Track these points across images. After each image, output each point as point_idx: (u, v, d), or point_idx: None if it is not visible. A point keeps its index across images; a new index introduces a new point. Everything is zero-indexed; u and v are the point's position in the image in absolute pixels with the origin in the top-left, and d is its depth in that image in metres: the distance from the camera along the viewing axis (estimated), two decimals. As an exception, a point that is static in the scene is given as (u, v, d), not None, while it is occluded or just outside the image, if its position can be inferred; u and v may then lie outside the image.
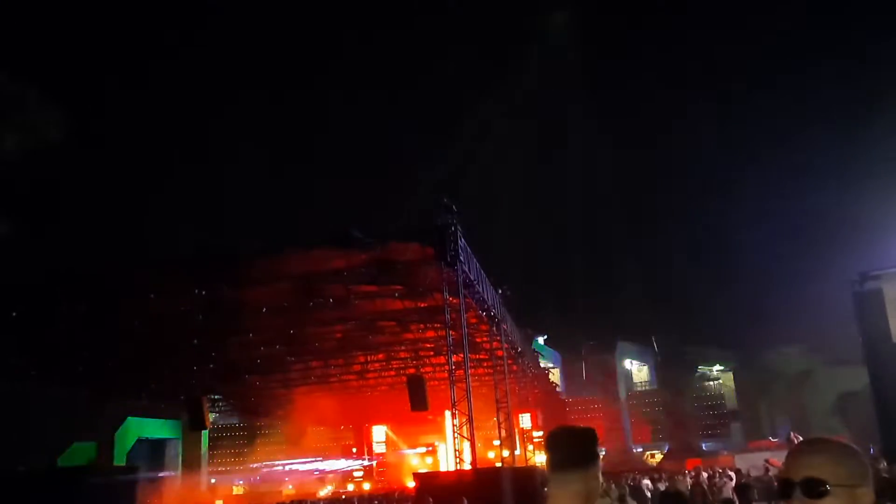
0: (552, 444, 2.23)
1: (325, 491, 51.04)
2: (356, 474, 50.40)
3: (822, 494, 1.76)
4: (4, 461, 26.28)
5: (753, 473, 22.04)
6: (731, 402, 68.45)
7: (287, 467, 53.21)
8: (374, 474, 51.50)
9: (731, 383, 68.98)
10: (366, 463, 50.63)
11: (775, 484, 18.94)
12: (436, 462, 46.80)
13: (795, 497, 1.79)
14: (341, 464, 53.61)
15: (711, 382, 70.15)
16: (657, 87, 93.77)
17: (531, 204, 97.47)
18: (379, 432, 53.46)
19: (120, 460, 39.42)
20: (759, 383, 68.07)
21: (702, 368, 70.52)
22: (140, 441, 47.53)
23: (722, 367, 69.95)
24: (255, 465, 58.66)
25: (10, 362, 26.05)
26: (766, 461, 26.59)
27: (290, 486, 59.57)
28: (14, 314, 20.78)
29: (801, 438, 21.84)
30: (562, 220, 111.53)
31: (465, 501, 13.36)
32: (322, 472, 53.39)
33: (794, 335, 68.39)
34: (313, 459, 52.39)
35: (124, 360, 27.79)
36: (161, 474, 49.34)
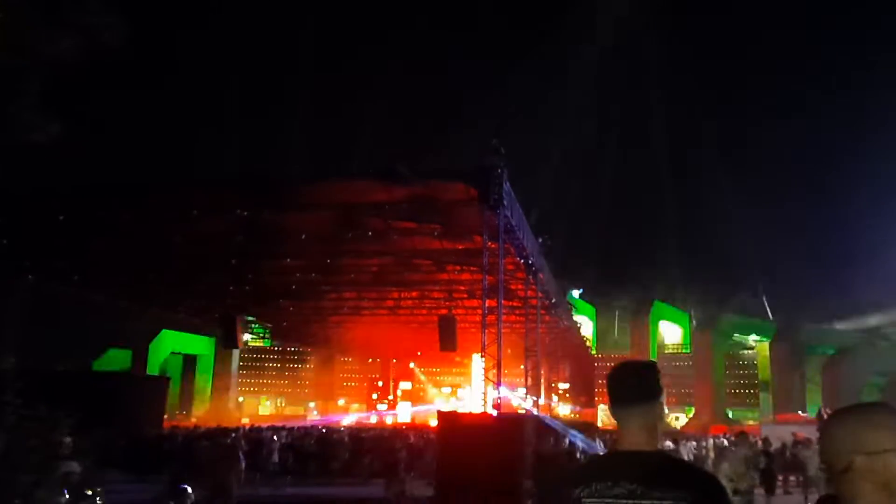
0: (615, 379, 2.23)
1: (348, 420, 52.17)
2: (380, 407, 51.24)
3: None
4: (43, 360, 27.13)
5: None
6: (764, 372, 67.51)
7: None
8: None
9: (766, 353, 67.90)
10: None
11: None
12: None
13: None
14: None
15: (746, 351, 69.19)
16: (718, 30, 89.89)
17: (580, 157, 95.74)
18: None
19: (153, 370, 40.61)
20: (795, 356, 66.98)
21: (738, 337, 69.54)
22: (173, 354, 48.90)
23: (758, 338, 68.83)
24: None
25: (53, 265, 26.59)
26: (793, 434, 26.28)
27: (316, 412, 61.08)
28: (61, 217, 21.06)
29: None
30: (610, 176, 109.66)
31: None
32: None
33: (838, 311, 67.25)
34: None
35: (163, 273, 28.20)
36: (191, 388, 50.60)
